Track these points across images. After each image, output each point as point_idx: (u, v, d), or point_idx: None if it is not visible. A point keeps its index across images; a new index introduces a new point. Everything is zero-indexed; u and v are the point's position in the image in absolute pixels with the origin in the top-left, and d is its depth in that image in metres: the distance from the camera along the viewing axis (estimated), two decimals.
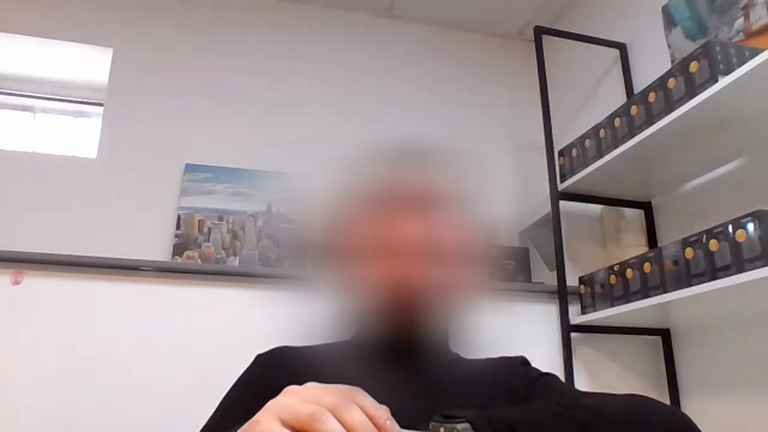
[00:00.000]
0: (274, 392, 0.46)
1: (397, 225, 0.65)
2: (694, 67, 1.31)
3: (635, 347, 1.72)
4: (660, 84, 1.42)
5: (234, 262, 1.91)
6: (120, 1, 2.19)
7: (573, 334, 1.65)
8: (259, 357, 0.73)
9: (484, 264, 0.70)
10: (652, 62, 1.82)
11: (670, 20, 1.74)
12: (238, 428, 0.44)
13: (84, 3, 2.15)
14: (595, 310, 1.60)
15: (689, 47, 1.60)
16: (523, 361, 0.75)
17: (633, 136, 1.48)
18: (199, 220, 1.94)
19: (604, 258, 1.83)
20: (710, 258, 1.24)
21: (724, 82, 1.21)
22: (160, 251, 1.87)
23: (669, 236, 1.66)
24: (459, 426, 0.47)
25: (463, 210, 0.69)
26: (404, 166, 0.69)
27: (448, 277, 0.65)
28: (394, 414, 0.51)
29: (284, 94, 2.23)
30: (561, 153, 1.80)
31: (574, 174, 1.71)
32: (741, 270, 1.15)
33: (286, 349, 0.73)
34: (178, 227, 1.92)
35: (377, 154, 0.71)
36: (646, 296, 1.41)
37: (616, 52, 1.99)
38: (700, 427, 0.53)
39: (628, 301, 1.48)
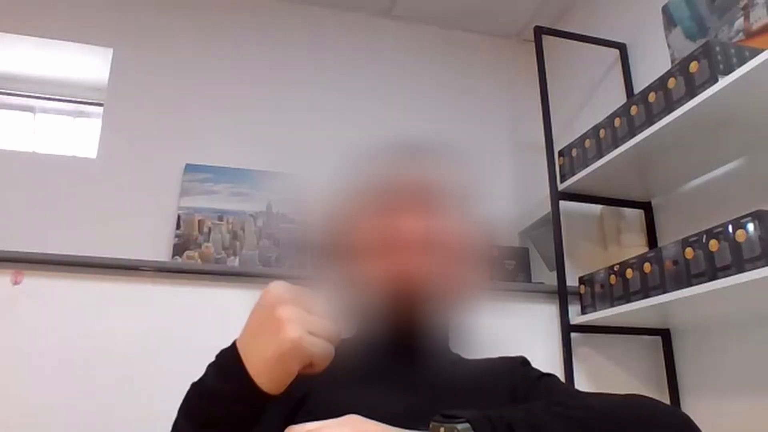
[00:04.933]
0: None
1: (398, 221, 0.65)
2: (694, 67, 1.31)
3: (635, 347, 1.72)
4: (660, 84, 1.42)
5: (234, 262, 1.91)
6: (120, 1, 2.19)
7: (573, 334, 1.65)
8: None
9: (484, 261, 0.70)
10: (652, 62, 1.81)
11: (670, 20, 1.74)
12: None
13: (84, 3, 2.15)
14: (595, 310, 1.60)
15: (689, 47, 1.60)
16: (523, 362, 0.75)
17: (633, 136, 1.48)
18: (199, 220, 1.94)
19: (604, 258, 1.83)
20: (710, 258, 1.24)
21: (724, 82, 1.21)
22: (160, 251, 1.87)
23: (669, 236, 1.66)
24: (459, 426, 0.47)
25: (463, 206, 0.69)
26: (405, 163, 0.70)
27: (448, 273, 0.65)
28: (395, 414, 0.51)
29: (284, 94, 2.23)
30: (561, 153, 1.80)
31: (574, 174, 1.71)
32: (741, 270, 1.15)
33: None
34: (178, 227, 1.92)
35: (378, 150, 0.71)
36: (646, 296, 1.41)
37: (616, 52, 1.99)
38: (700, 427, 0.53)
39: (628, 301, 1.47)
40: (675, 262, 1.34)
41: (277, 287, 0.52)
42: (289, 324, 0.48)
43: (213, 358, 0.55)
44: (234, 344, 0.53)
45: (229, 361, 0.51)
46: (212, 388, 0.52)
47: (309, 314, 0.50)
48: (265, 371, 0.49)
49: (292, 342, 0.48)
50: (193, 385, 0.55)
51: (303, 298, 0.51)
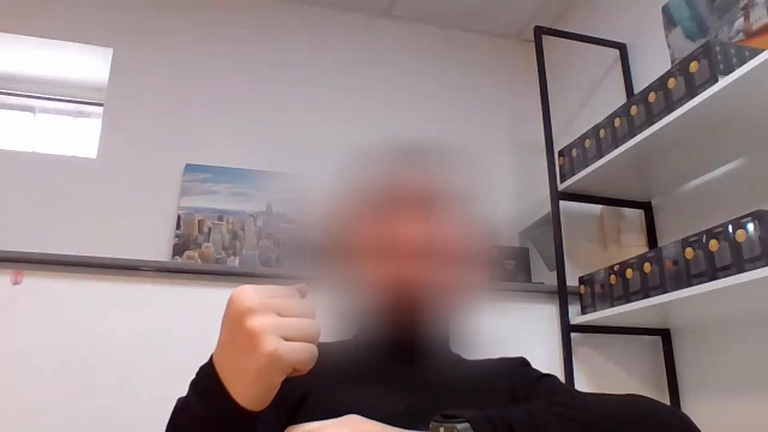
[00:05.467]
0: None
1: (398, 224, 0.65)
2: (694, 67, 1.31)
3: (635, 347, 1.72)
4: (660, 84, 1.42)
5: (234, 262, 1.91)
6: (120, 1, 2.19)
7: (573, 334, 1.65)
8: None
9: (484, 264, 0.70)
10: (652, 62, 1.81)
11: (670, 20, 1.74)
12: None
13: (84, 3, 2.15)
14: (595, 310, 1.60)
15: (689, 47, 1.60)
16: (523, 362, 0.74)
17: (633, 136, 1.48)
18: (199, 220, 1.94)
19: (604, 258, 1.83)
20: (710, 258, 1.24)
21: (724, 82, 1.21)
22: (160, 251, 1.87)
23: (669, 236, 1.66)
24: (459, 426, 0.47)
25: (463, 209, 0.69)
26: (405, 166, 0.69)
27: (448, 277, 0.65)
28: (395, 414, 0.51)
29: (284, 94, 2.23)
30: (561, 153, 1.80)
31: (574, 174, 1.71)
32: (741, 270, 1.15)
33: None
34: (178, 227, 1.92)
35: (378, 153, 0.71)
36: (646, 296, 1.41)
37: (616, 52, 1.99)
38: (700, 427, 0.53)
39: (628, 301, 1.47)
40: (675, 262, 1.33)
41: (242, 294, 0.47)
42: (262, 336, 0.44)
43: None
44: (212, 360, 0.50)
45: (208, 382, 0.48)
46: (196, 412, 0.49)
47: (281, 317, 0.46)
48: (245, 389, 0.46)
49: (268, 356, 0.44)
50: (179, 402, 0.53)
51: (272, 301, 0.46)
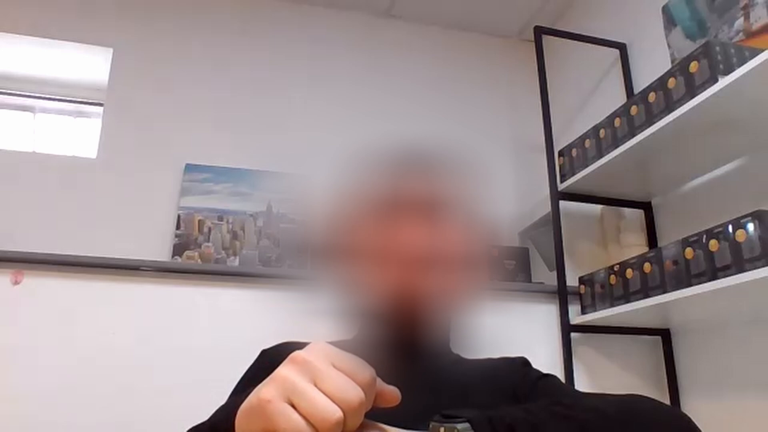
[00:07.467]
0: None
1: (399, 229, 0.65)
2: (694, 67, 1.31)
3: (635, 347, 1.72)
4: (660, 84, 1.42)
5: (234, 262, 1.91)
6: (120, 1, 2.19)
7: (573, 334, 1.65)
8: (264, 352, 0.74)
9: (485, 266, 0.70)
10: (652, 62, 1.82)
11: (670, 20, 1.74)
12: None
13: (84, 3, 2.15)
14: (595, 310, 1.60)
15: (689, 47, 1.60)
16: (524, 362, 0.75)
17: (633, 136, 1.48)
18: (199, 220, 1.94)
19: (604, 258, 1.84)
20: (710, 258, 1.24)
21: (724, 82, 1.21)
22: (160, 251, 1.87)
23: (669, 236, 1.66)
24: (459, 426, 0.47)
25: (465, 214, 0.69)
26: (406, 171, 0.69)
27: (450, 281, 0.65)
28: (396, 414, 0.51)
29: (284, 93, 2.23)
30: (561, 153, 1.80)
31: (574, 174, 1.71)
32: (741, 270, 1.15)
33: (291, 345, 0.73)
34: (178, 227, 1.92)
35: (379, 157, 0.71)
36: (646, 296, 1.41)
37: (616, 52, 1.99)
38: (700, 427, 0.53)
39: (628, 301, 1.48)
40: (675, 262, 1.34)
41: (312, 344, 0.43)
42: (272, 382, 0.41)
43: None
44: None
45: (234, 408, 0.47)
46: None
47: (308, 384, 0.40)
48: (237, 421, 0.44)
49: (259, 399, 0.40)
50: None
51: (317, 365, 0.41)
